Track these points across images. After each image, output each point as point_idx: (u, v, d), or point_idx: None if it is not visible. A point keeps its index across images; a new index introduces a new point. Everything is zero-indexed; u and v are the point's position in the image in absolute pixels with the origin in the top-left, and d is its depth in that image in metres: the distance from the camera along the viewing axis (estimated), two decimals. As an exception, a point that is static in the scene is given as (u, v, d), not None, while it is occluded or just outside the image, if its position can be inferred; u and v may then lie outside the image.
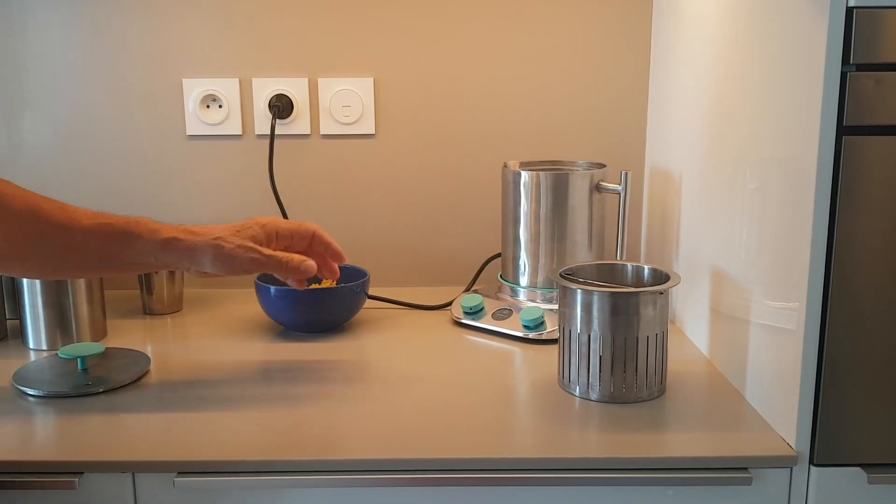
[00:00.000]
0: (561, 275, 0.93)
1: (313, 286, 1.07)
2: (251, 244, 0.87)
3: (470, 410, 0.87)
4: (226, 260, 0.86)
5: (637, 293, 0.87)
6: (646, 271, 0.96)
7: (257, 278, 1.10)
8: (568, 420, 0.85)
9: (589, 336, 0.87)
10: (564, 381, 0.91)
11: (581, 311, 0.88)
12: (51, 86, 1.27)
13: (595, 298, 0.87)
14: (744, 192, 0.90)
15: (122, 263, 0.86)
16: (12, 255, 0.83)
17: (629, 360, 0.87)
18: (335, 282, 1.07)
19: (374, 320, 1.17)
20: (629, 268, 0.97)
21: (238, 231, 0.88)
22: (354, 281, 1.11)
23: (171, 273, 1.20)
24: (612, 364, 0.87)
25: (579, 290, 0.88)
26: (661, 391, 0.90)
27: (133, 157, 1.29)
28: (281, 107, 1.26)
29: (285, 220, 0.94)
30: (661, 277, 0.93)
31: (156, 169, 1.30)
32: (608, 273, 0.98)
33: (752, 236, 0.88)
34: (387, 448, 0.79)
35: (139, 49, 1.26)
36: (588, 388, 0.88)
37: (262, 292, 1.09)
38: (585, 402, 0.88)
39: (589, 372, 0.88)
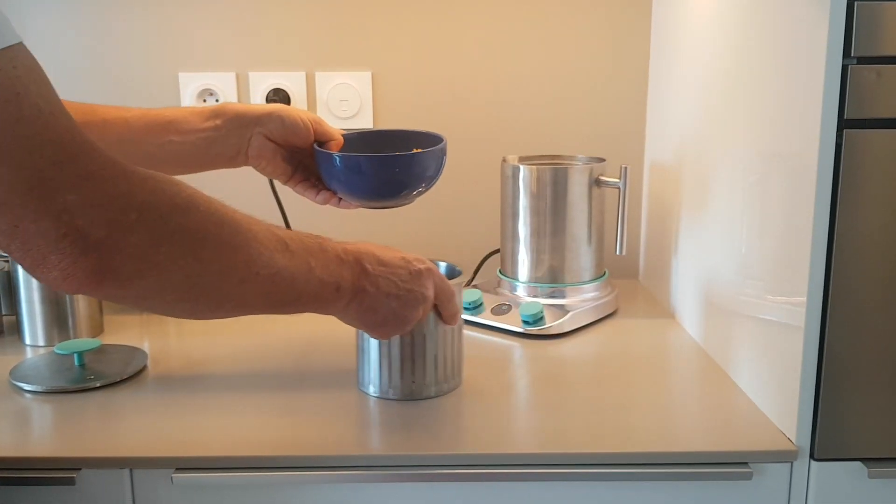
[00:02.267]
0: None
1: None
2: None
3: (467, 406, 0.86)
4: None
5: None
6: (442, 268, 0.95)
7: (317, 144, 0.92)
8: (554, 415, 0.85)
9: None
10: (362, 382, 0.89)
11: None
12: (47, 80, 1.26)
13: None
14: (744, 185, 0.89)
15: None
16: None
17: (429, 354, 0.86)
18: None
19: (373, 315, 1.16)
20: None
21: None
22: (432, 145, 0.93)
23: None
24: (412, 361, 0.85)
25: None
26: (458, 384, 0.90)
27: (130, 152, 1.29)
28: (278, 101, 1.25)
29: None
30: (453, 273, 0.93)
31: (151, 164, 1.29)
32: None
33: (752, 231, 0.87)
34: (386, 445, 0.79)
35: (135, 43, 1.25)
36: (387, 386, 0.87)
37: (323, 161, 0.90)
38: (382, 400, 0.87)
39: (390, 370, 0.86)
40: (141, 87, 1.26)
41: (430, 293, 0.79)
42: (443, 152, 0.91)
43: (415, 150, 0.90)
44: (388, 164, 0.88)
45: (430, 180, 0.91)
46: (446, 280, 0.82)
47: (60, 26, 1.24)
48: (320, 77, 1.26)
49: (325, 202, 0.95)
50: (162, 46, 1.25)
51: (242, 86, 1.26)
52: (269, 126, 0.89)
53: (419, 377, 0.86)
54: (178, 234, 0.58)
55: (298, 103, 1.26)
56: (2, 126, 0.50)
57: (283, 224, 1.22)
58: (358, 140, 0.95)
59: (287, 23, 1.25)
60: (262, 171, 0.93)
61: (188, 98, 1.26)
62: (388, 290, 0.75)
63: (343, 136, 0.93)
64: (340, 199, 0.94)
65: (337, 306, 0.73)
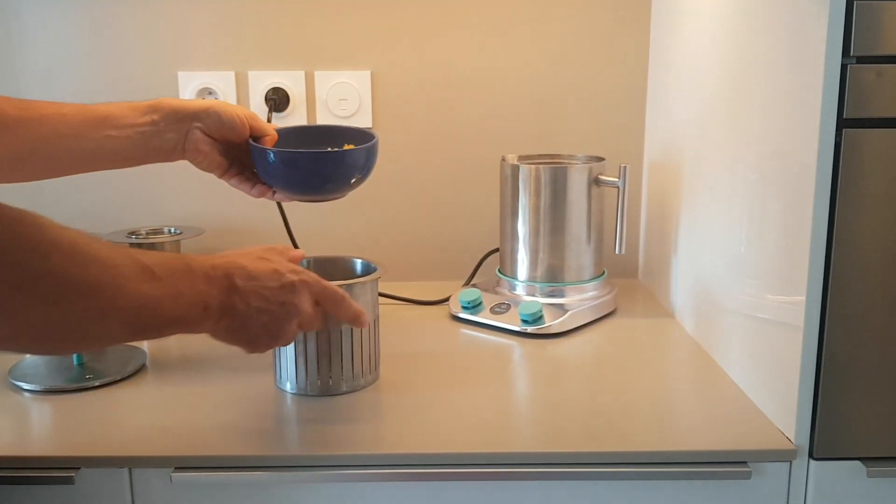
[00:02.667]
0: None
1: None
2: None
3: (469, 405, 0.86)
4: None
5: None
6: (358, 265, 0.96)
7: (252, 139, 0.93)
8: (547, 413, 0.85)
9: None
10: (279, 380, 0.90)
11: None
12: (45, 80, 1.26)
13: None
14: (743, 185, 0.89)
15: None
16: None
17: (345, 351, 0.87)
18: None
19: (372, 314, 1.16)
20: (343, 261, 0.97)
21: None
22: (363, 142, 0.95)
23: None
24: (330, 357, 0.87)
25: None
26: (375, 378, 0.92)
27: (129, 151, 1.28)
28: (277, 100, 1.25)
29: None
30: (369, 269, 0.94)
31: (151, 165, 1.29)
32: (329, 267, 0.97)
33: (751, 230, 0.87)
34: (388, 444, 0.78)
35: (134, 42, 1.25)
36: (305, 383, 0.88)
37: (259, 156, 0.92)
38: (299, 397, 0.88)
39: (307, 367, 0.87)
40: (140, 86, 1.26)
41: (305, 305, 0.75)
42: (373, 149, 0.94)
43: (346, 147, 0.93)
44: (321, 160, 0.91)
45: (361, 174, 0.94)
46: (330, 286, 0.78)
47: (60, 25, 1.24)
48: (319, 76, 1.26)
49: (260, 195, 0.96)
50: (161, 45, 1.25)
51: (242, 85, 1.26)
52: (207, 121, 0.90)
53: (336, 373, 0.87)
54: (38, 281, 0.56)
55: (297, 102, 1.26)
56: None
57: (283, 225, 1.23)
58: (292, 135, 0.98)
59: (286, 22, 1.25)
60: (199, 166, 0.93)
61: (187, 97, 1.26)
62: (259, 306, 0.73)
63: (277, 131, 0.95)
64: (275, 192, 0.96)
65: (205, 325, 0.72)
